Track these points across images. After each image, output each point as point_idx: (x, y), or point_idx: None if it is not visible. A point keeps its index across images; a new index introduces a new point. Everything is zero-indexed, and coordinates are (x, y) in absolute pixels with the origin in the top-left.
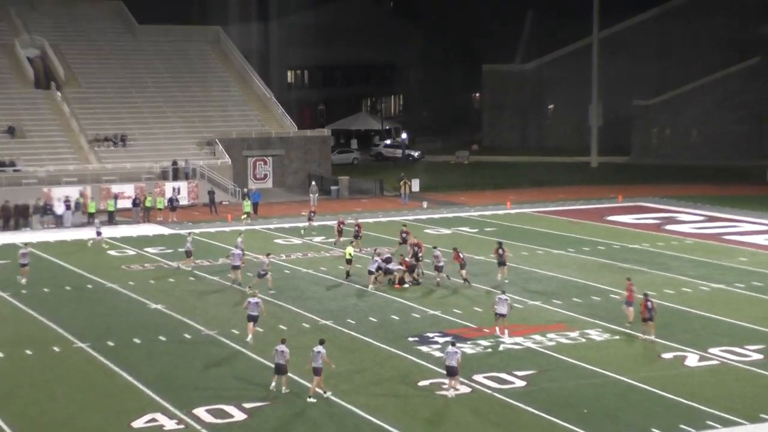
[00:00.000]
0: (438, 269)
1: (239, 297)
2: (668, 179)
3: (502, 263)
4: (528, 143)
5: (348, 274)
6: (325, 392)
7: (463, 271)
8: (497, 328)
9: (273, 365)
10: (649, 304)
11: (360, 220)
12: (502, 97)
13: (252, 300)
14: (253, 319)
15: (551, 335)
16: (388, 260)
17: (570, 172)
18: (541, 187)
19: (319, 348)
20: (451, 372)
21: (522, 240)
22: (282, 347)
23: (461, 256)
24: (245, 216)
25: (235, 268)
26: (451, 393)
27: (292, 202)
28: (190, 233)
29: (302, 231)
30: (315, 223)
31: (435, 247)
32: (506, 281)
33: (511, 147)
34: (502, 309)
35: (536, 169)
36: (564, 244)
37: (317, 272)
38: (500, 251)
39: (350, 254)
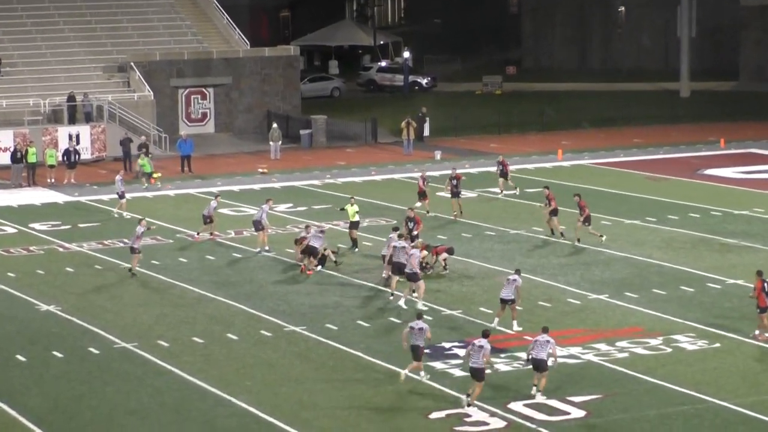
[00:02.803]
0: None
1: (169, 294)
2: None
3: (553, 212)
4: (589, 64)
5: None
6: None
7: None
8: (496, 319)
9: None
10: (766, 286)
11: (428, 173)
12: None
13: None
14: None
15: (623, 343)
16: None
17: (650, 105)
18: (607, 127)
19: (420, 323)
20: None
21: (574, 204)
22: (420, 323)
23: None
24: (147, 178)
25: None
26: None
27: (242, 154)
28: (218, 195)
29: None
30: (276, 185)
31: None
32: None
33: (565, 69)
34: (507, 293)
35: (600, 102)
36: (641, 210)
37: (284, 256)
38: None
39: (355, 215)
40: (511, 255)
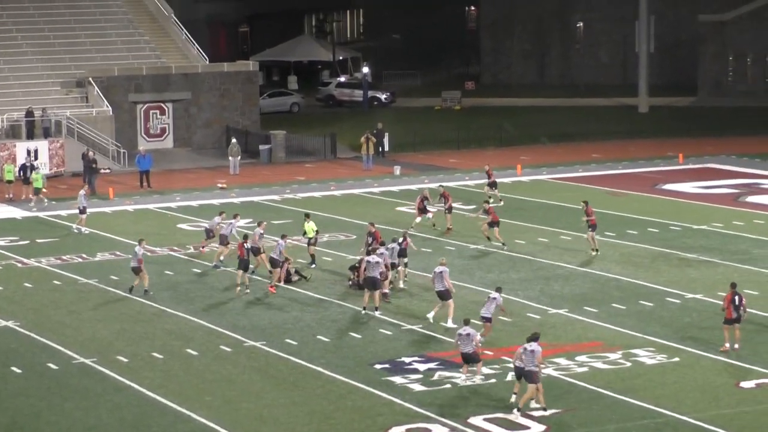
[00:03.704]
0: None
1: (128, 309)
2: (749, 129)
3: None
4: (547, 79)
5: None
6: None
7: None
8: (478, 335)
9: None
10: (736, 299)
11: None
12: (509, 10)
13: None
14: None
15: (582, 358)
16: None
17: (609, 120)
18: (566, 142)
19: (467, 329)
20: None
21: (539, 220)
22: (467, 329)
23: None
24: (34, 196)
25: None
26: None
27: (201, 169)
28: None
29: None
30: (235, 200)
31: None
32: (596, 252)
33: (523, 84)
34: (486, 311)
35: (559, 117)
36: (600, 225)
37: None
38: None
39: (312, 231)
40: (471, 270)
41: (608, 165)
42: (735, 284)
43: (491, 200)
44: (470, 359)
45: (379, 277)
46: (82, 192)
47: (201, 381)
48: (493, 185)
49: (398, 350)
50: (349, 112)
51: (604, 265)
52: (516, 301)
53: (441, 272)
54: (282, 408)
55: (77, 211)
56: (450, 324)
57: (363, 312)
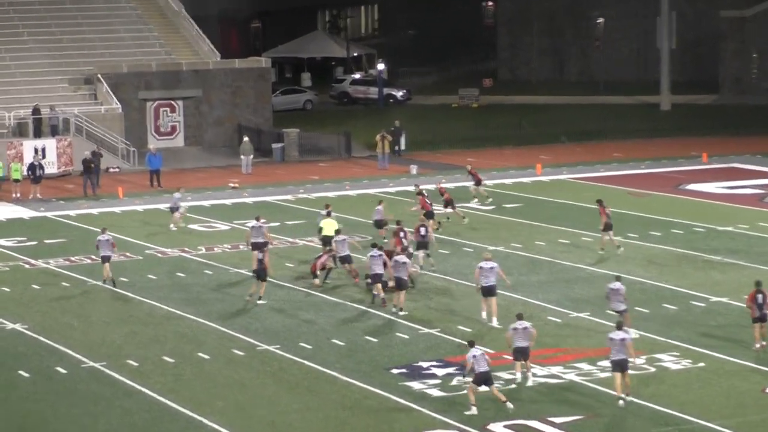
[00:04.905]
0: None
1: (138, 312)
2: None
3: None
4: (566, 76)
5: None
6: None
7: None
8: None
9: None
10: (759, 297)
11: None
12: (527, 5)
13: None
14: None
15: (605, 363)
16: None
17: (630, 118)
18: (586, 141)
19: (477, 350)
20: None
21: (560, 221)
22: (524, 323)
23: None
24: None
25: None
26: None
27: (213, 168)
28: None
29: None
30: (248, 200)
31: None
32: (621, 250)
33: (542, 81)
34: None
35: (579, 115)
36: (622, 226)
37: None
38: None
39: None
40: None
41: (630, 164)
42: (759, 282)
43: (475, 200)
44: (525, 354)
45: (406, 278)
46: (176, 194)
47: (213, 386)
48: (478, 184)
49: (416, 354)
50: (363, 110)
51: (627, 268)
52: (536, 304)
53: (492, 267)
54: (296, 414)
55: (172, 210)
56: (495, 323)
57: (394, 310)
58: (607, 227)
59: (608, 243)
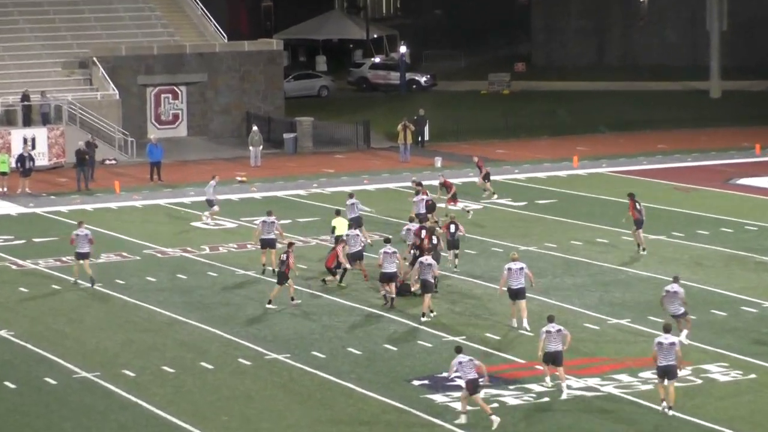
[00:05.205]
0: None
1: (135, 317)
2: None
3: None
4: (607, 60)
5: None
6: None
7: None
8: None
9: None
10: None
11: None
12: None
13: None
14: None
15: (647, 374)
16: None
17: (676, 106)
18: (628, 131)
19: (463, 357)
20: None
21: (598, 219)
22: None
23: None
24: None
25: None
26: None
27: (219, 161)
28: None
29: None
30: (256, 195)
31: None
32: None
33: (580, 66)
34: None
35: (620, 103)
36: (667, 224)
37: (266, 276)
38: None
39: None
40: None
41: (676, 157)
42: None
43: (485, 194)
44: (557, 359)
45: (432, 280)
46: (212, 182)
47: (217, 398)
48: (486, 178)
49: (439, 364)
50: (384, 97)
51: (670, 270)
52: (571, 309)
53: (521, 268)
54: (307, 429)
55: (210, 203)
56: (526, 325)
57: (422, 318)
58: (638, 224)
59: (638, 240)
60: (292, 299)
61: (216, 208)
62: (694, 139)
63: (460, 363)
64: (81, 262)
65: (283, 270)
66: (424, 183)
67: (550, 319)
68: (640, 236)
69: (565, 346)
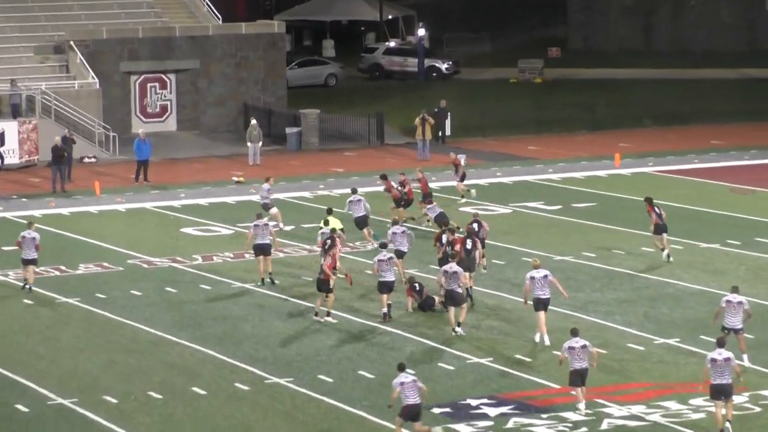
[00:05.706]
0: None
1: (118, 336)
2: None
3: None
4: (654, 45)
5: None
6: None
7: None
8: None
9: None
10: None
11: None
12: None
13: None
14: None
15: (698, 401)
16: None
17: (732, 97)
18: (677, 126)
19: (406, 377)
20: None
21: (643, 225)
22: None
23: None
24: None
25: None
26: None
27: (213, 158)
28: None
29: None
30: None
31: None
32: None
33: (623, 52)
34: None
35: (669, 93)
36: (722, 231)
37: (267, 290)
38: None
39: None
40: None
41: (732, 154)
42: None
43: (463, 199)
44: (584, 378)
45: (459, 290)
46: (265, 185)
47: (210, 427)
48: (463, 179)
49: (463, 390)
50: (400, 87)
51: (725, 282)
52: (613, 327)
53: (546, 276)
54: None
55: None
56: (547, 341)
57: (453, 334)
58: (659, 229)
59: (659, 246)
60: (328, 314)
61: (274, 210)
62: (753, 134)
63: (401, 384)
64: (29, 267)
65: (323, 279)
66: (455, 183)
67: (574, 333)
68: (665, 240)
69: (594, 364)
